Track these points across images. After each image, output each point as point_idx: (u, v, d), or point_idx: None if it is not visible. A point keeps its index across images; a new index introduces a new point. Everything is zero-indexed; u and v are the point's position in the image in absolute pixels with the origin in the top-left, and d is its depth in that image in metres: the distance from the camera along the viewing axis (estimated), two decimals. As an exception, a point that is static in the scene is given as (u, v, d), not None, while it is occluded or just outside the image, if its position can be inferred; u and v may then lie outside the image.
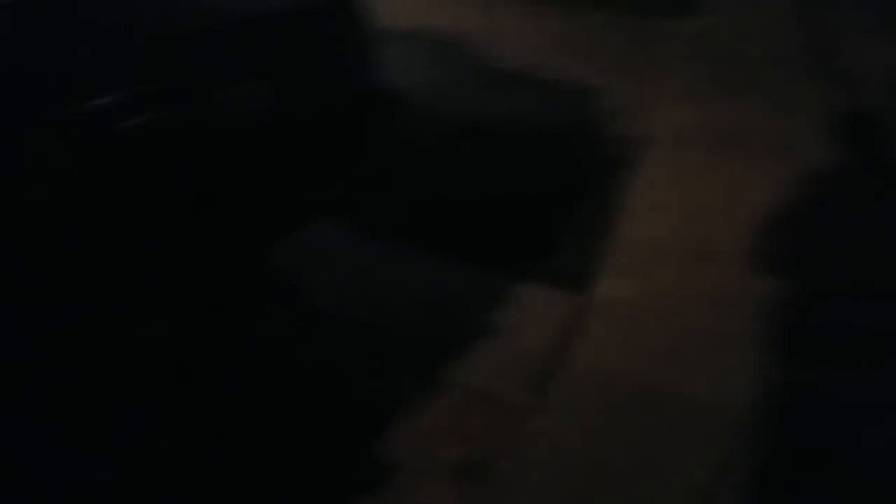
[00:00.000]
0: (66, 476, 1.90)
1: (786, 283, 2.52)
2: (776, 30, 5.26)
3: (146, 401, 2.13)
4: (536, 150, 3.79)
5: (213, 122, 2.21)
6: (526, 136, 3.96)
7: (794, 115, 3.79)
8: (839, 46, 4.66)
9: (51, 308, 1.78)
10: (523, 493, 1.86)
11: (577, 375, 2.20)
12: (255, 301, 2.63)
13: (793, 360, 2.21)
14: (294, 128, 2.70)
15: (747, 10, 5.81)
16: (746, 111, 3.95)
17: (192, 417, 2.12)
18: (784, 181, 3.10)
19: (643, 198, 3.18)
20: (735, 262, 2.68)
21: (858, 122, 3.60)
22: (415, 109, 3.43)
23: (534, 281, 2.69)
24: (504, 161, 3.68)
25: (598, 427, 2.01)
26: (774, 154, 3.37)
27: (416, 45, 5.31)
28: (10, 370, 1.70)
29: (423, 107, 3.88)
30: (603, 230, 2.97)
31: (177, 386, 2.21)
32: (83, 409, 1.95)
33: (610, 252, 2.81)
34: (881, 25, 4.76)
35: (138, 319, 2.04)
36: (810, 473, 1.85)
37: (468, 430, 2.06)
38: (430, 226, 3.10)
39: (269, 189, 2.63)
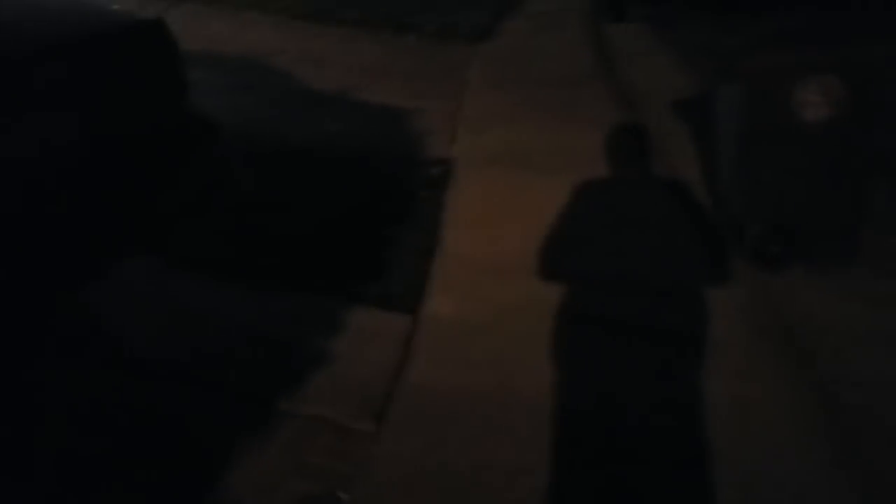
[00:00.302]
0: None
1: (582, 288, 2.85)
2: (566, 54, 5.86)
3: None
4: (355, 173, 3.86)
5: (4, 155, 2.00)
6: (344, 159, 4.01)
7: (585, 132, 4.25)
8: (622, 69, 5.31)
9: None
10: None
11: (413, 393, 2.30)
12: (61, 349, 2.39)
13: (594, 356, 2.51)
14: (96, 158, 2.52)
15: (539, 36, 6.41)
16: (545, 130, 4.37)
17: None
18: (579, 195, 3.50)
19: (459, 216, 3.40)
20: (540, 271, 2.97)
21: (638, 137, 4.15)
22: (228, 135, 3.33)
23: (364, 305, 2.75)
24: (324, 185, 3.70)
25: (436, 440, 2.12)
26: (571, 169, 3.76)
27: (226, 69, 5.14)
28: None
29: (237, 132, 3.77)
30: (425, 249, 3.12)
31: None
32: None
33: (433, 270, 2.96)
34: (658, 51, 5.51)
35: None
36: (621, 452, 2.13)
37: (310, 462, 2.06)
38: (252, 256, 3.03)
39: (72, 224, 2.42)
